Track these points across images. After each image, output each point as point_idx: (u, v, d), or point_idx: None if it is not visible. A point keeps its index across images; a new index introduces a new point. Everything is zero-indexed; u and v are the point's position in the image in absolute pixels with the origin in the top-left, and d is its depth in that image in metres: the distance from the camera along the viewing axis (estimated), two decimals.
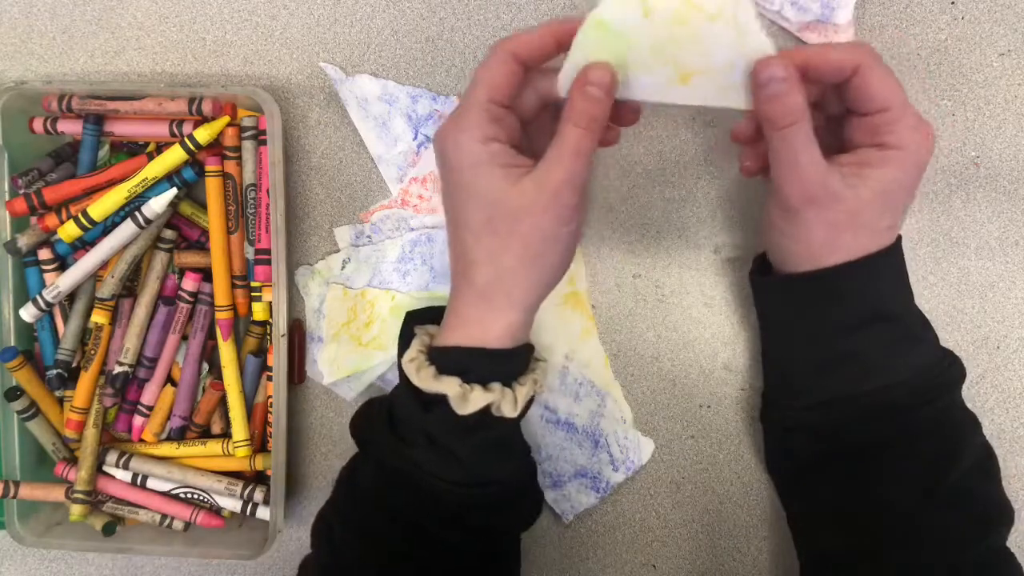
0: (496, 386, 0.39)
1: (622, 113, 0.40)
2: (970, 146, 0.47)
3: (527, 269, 0.38)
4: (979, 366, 0.48)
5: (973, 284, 0.48)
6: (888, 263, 0.39)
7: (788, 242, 0.39)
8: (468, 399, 0.38)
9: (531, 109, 0.39)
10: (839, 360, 0.39)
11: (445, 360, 0.39)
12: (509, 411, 0.38)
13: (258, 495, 0.49)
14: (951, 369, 0.40)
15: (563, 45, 0.37)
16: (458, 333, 0.39)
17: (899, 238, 0.39)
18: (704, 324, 0.49)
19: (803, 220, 0.38)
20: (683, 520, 0.50)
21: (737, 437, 0.49)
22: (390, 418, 0.41)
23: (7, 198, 0.48)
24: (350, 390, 0.50)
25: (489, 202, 0.37)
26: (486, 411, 0.38)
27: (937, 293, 0.48)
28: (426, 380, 0.38)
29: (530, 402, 0.41)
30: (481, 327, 0.39)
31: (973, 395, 0.48)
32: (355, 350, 0.49)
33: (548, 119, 0.40)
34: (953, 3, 0.46)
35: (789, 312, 0.41)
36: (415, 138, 0.48)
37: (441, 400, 0.38)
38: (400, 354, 0.41)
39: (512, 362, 0.40)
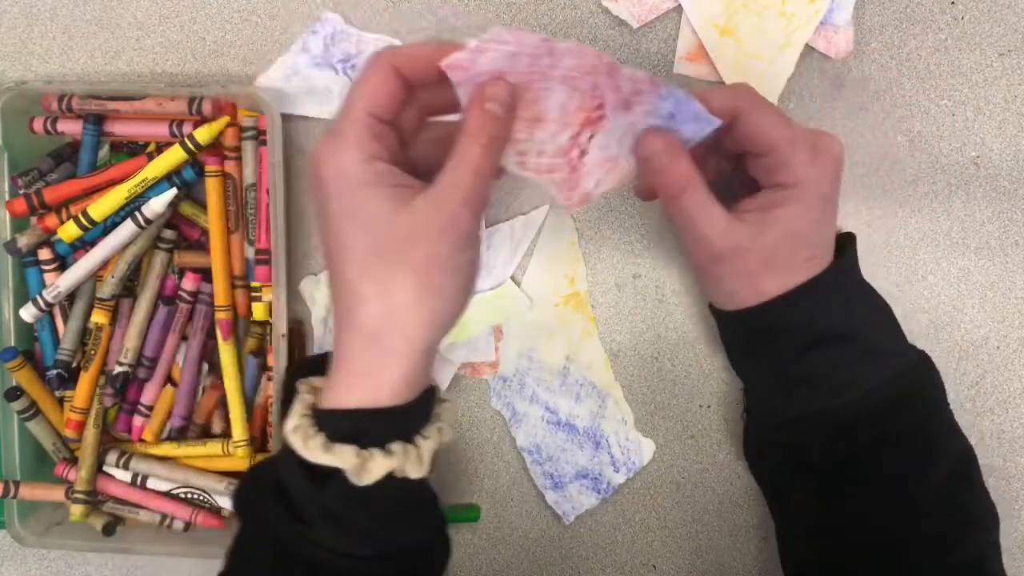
0: (398, 447, 0.34)
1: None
2: (970, 146, 0.47)
3: (423, 303, 0.33)
4: (979, 366, 0.48)
5: (973, 284, 0.48)
6: (823, 288, 0.38)
7: (713, 291, 0.41)
8: (367, 469, 0.33)
9: (412, 126, 0.36)
10: (795, 382, 0.39)
11: (335, 425, 0.33)
12: (415, 472, 0.34)
13: None
14: (920, 378, 0.40)
15: None
16: (347, 391, 0.34)
17: (841, 259, 0.39)
18: (704, 324, 0.49)
19: (716, 276, 0.38)
20: (683, 520, 0.50)
21: (737, 437, 0.49)
22: (280, 494, 0.35)
23: (7, 198, 0.48)
24: None
25: (376, 227, 0.32)
26: (389, 475, 0.33)
27: (937, 293, 0.48)
28: (315, 452, 0.33)
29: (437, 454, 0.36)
30: (373, 380, 0.33)
31: (973, 395, 0.48)
32: None
33: (429, 137, 0.37)
34: (953, 3, 0.46)
35: (741, 341, 0.42)
36: (337, 73, 0.48)
37: (336, 471, 0.33)
38: (281, 417, 0.36)
39: (413, 417, 0.35)
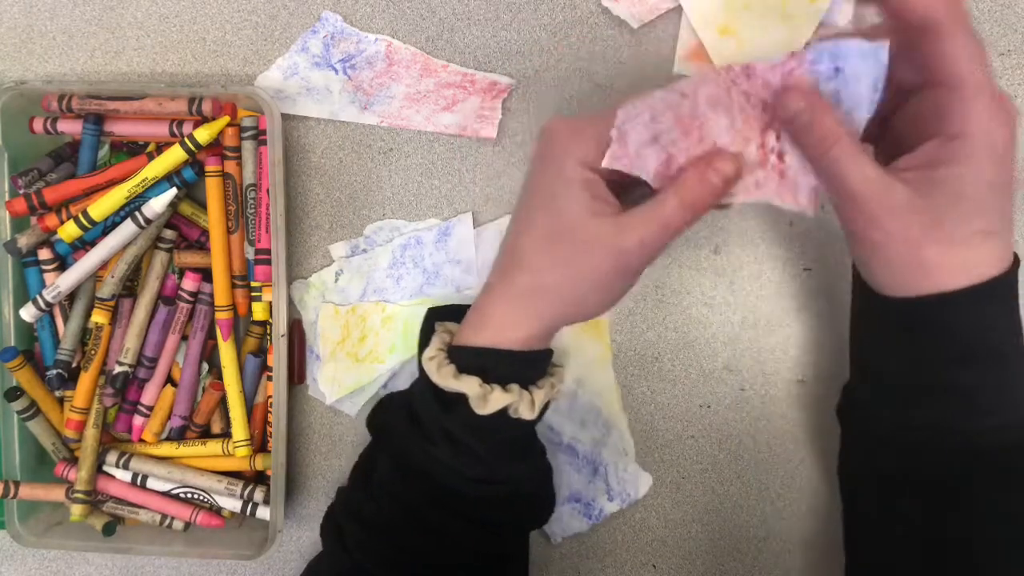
0: (515, 388, 0.38)
1: None
2: None
3: (562, 299, 0.38)
4: None
5: None
6: (993, 294, 0.33)
7: (868, 269, 0.36)
8: (488, 400, 0.38)
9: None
10: (945, 390, 0.35)
11: (465, 359, 0.39)
12: (527, 413, 0.39)
13: (258, 495, 0.49)
14: None
15: None
16: (479, 333, 0.39)
17: (1015, 265, 0.34)
18: (704, 324, 0.49)
19: (872, 243, 0.34)
20: (683, 520, 0.50)
21: (737, 437, 0.49)
22: (410, 414, 0.41)
23: (7, 198, 0.48)
24: (353, 406, 0.50)
25: (561, 222, 0.37)
26: (504, 412, 0.38)
27: None
28: (446, 378, 0.38)
29: (546, 406, 0.41)
30: (502, 330, 0.38)
31: None
32: (353, 366, 0.49)
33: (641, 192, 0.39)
34: None
35: (891, 333, 0.37)
36: (336, 73, 0.48)
37: (460, 399, 0.38)
38: (420, 350, 0.42)
39: (531, 365, 0.40)
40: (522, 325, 0.38)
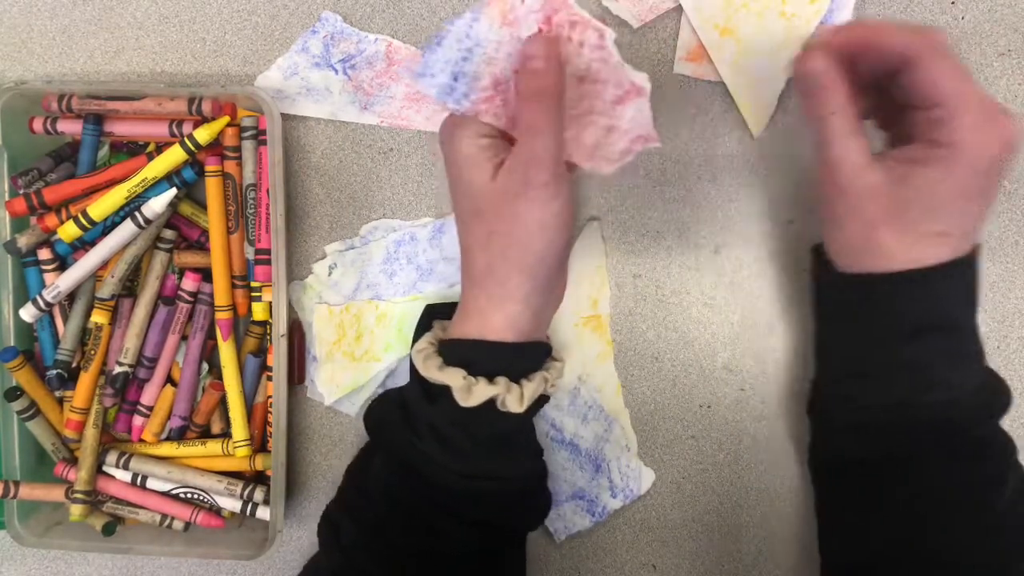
0: (502, 380, 0.38)
1: None
2: None
3: (512, 255, 0.38)
4: None
5: None
6: (953, 279, 0.35)
7: (829, 236, 0.39)
8: (472, 392, 0.38)
9: None
10: (898, 367, 0.37)
11: (452, 352, 0.39)
12: (514, 406, 0.38)
13: (258, 495, 0.49)
14: (1004, 391, 0.38)
15: None
16: (464, 325, 0.40)
17: (973, 252, 0.36)
18: (704, 324, 0.49)
19: (837, 214, 0.37)
20: (683, 520, 0.50)
21: (737, 437, 0.49)
22: (402, 409, 0.41)
23: (7, 198, 0.48)
24: (352, 405, 0.50)
25: (475, 193, 0.38)
26: (491, 405, 0.38)
27: None
28: (431, 371, 0.39)
29: (541, 401, 0.41)
30: (482, 319, 0.39)
31: None
32: (350, 366, 0.49)
33: None
34: (953, 3, 0.46)
35: (845, 311, 0.39)
36: (336, 73, 0.48)
37: (446, 392, 0.38)
38: (414, 345, 0.42)
39: (518, 357, 0.39)
40: (497, 309, 0.38)
